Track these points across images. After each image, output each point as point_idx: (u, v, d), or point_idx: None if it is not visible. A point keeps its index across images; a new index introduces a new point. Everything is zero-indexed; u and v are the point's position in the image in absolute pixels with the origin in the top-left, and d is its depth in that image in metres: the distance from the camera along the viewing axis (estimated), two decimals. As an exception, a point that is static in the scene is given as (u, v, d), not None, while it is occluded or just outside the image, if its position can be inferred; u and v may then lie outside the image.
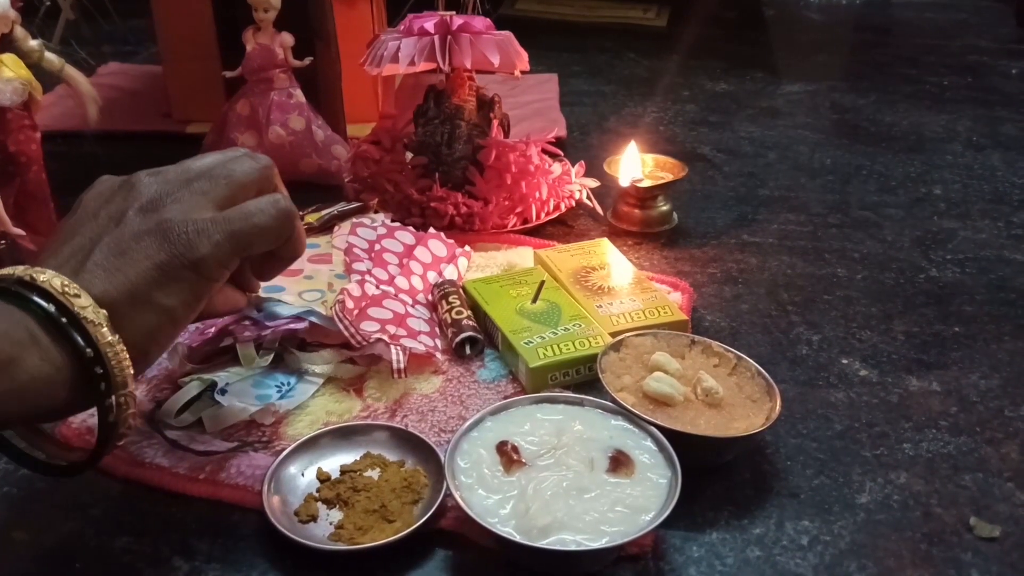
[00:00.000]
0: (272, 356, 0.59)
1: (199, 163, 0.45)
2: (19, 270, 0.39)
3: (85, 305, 0.38)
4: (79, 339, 0.38)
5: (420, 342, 0.61)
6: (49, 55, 0.68)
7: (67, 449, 0.45)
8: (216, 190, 0.44)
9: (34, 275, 0.38)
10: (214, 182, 0.44)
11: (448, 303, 0.64)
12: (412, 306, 0.65)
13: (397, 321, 0.62)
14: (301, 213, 0.76)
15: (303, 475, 0.51)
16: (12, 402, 0.37)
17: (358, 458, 0.52)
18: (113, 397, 0.39)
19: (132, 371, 0.40)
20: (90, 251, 0.41)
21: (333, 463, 0.51)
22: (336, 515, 0.48)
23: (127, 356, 0.39)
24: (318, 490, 0.49)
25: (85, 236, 0.41)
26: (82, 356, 0.38)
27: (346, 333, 0.58)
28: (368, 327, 0.60)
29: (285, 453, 0.51)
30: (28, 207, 0.69)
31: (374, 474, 0.50)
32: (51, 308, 0.38)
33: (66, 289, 0.38)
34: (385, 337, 0.59)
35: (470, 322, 0.63)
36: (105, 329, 0.38)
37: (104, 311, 0.39)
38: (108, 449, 0.41)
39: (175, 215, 0.42)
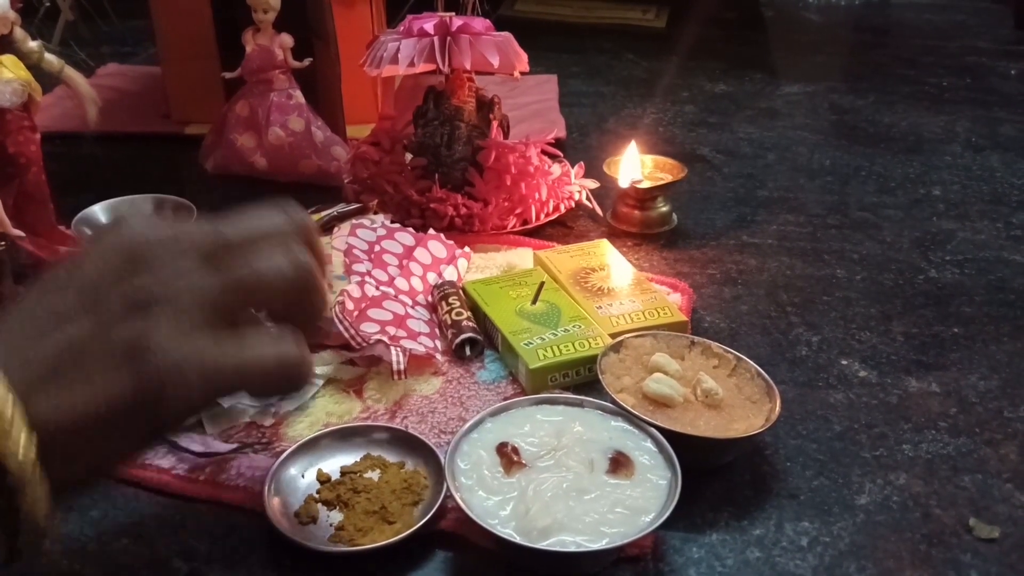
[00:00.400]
0: (272, 357, 0.59)
1: (233, 232, 0.37)
2: None
3: (11, 448, 0.31)
4: None
5: (420, 343, 0.61)
6: (49, 56, 0.68)
7: None
8: (225, 298, 0.36)
9: None
10: (228, 284, 0.36)
11: (448, 304, 0.64)
12: (412, 307, 0.65)
13: (397, 322, 0.62)
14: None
15: (303, 476, 0.51)
16: None
17: (358, 459, 0.52)
18: (20, 537, 0.33)
19: (49, 512, 0.33)
20: (58, 353, 0.33)
21: (333, 464, 0.51)
22: (336, 516, 0.48)
23: (46, 502, 0.33)
24: (318, 491, 0.49)
25: (62, 327, 0.34)
26: None
27: (346, 335, 0.58)
28: (368, 328, 0.60)
29: (285, 454, 0.51)
30: (27, 208, 0.69)
31: (374, 475, 0.50)
32: None
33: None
34: (385, 338, 0.59)
35: (470, 323, 0.63)
36: (27, 477, 0.32)
37: (33, 453, 0.32)
38: (15, 561, 0.34)
39: (159, 336, 0.34)
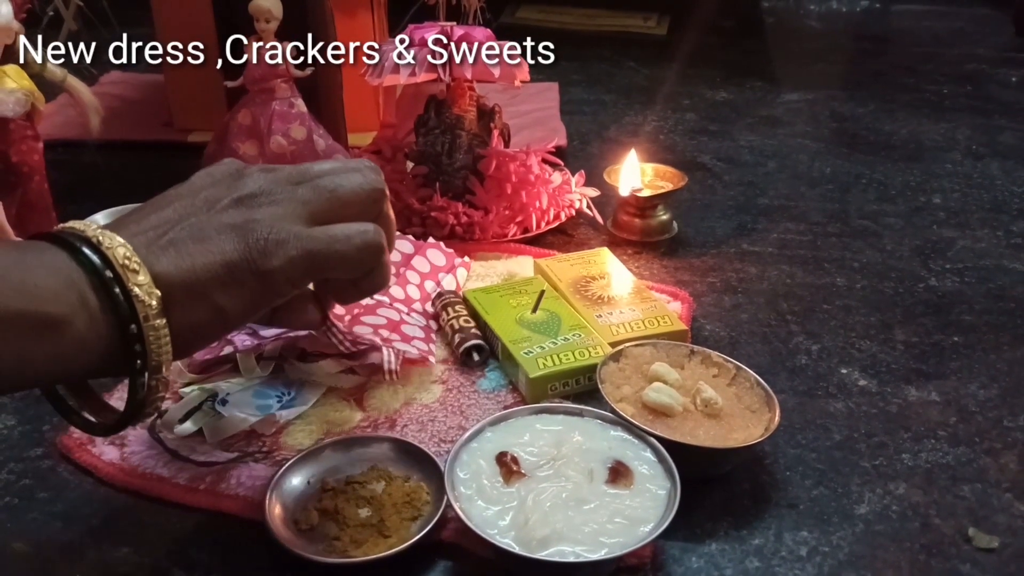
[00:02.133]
0: (272, 366, 0.59)
1: (316, 167, 0.45)
2: (91, 229, 0.38)
3: (141, 282, 0.37)
4: (126, 314, 0.37)
5: (413, 346, 0.60)
6: (52, 65, 0.68)
7: (101, 407, 0.44)
8: (316, 202, 0.43)
9: (101, 239, 0.38)
10: (317, 192, 0.43)
11: (454, 311, 0.65)
12: (407, 315, 0.65)
13: (391, 327, 0.62)
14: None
15: (305, 486, 0.50)
16: (51, 365, 0.37)
17: (363, 471, 0.51)
18: (146, 377, 0.39)
19: (170, 357, 0.39)
20: (172, 227, 0.40)
21: (335, 474, 0.51)
22: (335, 527, 0.48)
23: (169, 342, 0.38)
24: (320, 500, 0.49)
25: (176, 211, 0.41)
26: (125, 331, 0.37)
27: (335, 339, 0.58)
28: (360, 331, 0.60)
29: (288, 464, 0.51)
30: (30, 217, 0.69)
31: (378, 487, 0.50)
32: (108, 274, 0.37)
33: (127, 262, 0.37)
34: (377, 339, 0.59)
35: (476, 330, 0.63)
36: (153, 310, 0.38)
37: (158, 292, 0.38)
38: (133, 422, 0.41)
39: (263, 217, 0.41)
